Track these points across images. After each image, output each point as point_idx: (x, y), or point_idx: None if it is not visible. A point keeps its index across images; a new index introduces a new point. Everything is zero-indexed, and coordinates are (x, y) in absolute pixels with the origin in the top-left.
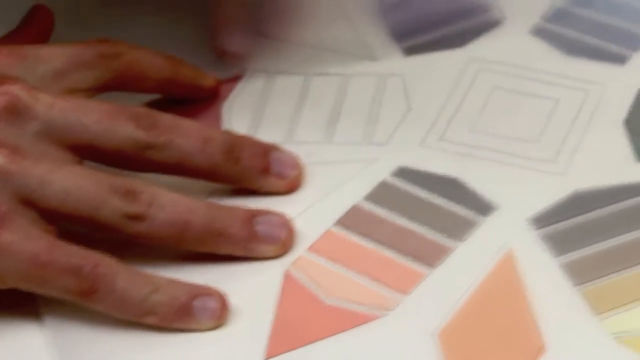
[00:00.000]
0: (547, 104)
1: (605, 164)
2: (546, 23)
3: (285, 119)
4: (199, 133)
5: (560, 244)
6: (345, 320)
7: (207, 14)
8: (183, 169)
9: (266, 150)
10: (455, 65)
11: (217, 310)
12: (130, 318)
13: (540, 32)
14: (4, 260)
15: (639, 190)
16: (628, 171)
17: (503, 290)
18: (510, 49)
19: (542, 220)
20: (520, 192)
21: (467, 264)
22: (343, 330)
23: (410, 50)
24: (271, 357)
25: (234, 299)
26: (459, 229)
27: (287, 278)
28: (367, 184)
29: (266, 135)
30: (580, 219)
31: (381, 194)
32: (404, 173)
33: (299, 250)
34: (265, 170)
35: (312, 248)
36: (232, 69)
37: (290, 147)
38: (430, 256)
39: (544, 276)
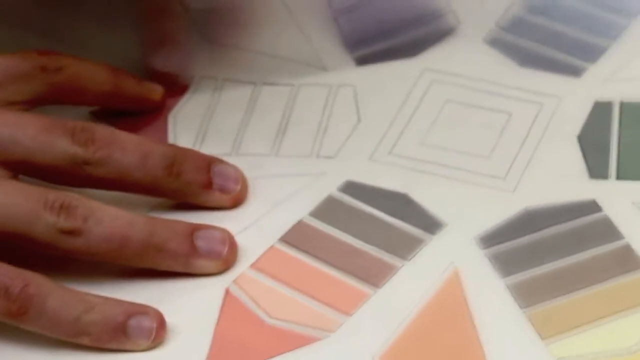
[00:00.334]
0: (499, 118)
1: (557, 180)
2: (501, 32)
3: (232, 130)
4: (138, 147)
5: (507, 264)
6: (285, 341)
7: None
8: (123, 184)
9: (208, 164)
10: (407, 76)
11: (153, 330)
12: (64, 338)
13: (495, 42)
14: None
15: (590, 208)
16: (580, 188)
17: (448, 312)
18: (464, 60)
19: (490, 239)
20: (469, 210)
21: (412, 284)
22: (283, 352)
23: (362, 60)
24: None
25: (173, 317)
26: (405, 247)
27: (228, 296)
28: (313, 199)
29: (212, 147)
30: (529, 238)
31: (327, 209)
32: (351, 188)
33: (241, 266)
34: (207, 185)
35: (255, 265)
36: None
37: (236, 160)
38: (375, 275)
39: (491, 298)
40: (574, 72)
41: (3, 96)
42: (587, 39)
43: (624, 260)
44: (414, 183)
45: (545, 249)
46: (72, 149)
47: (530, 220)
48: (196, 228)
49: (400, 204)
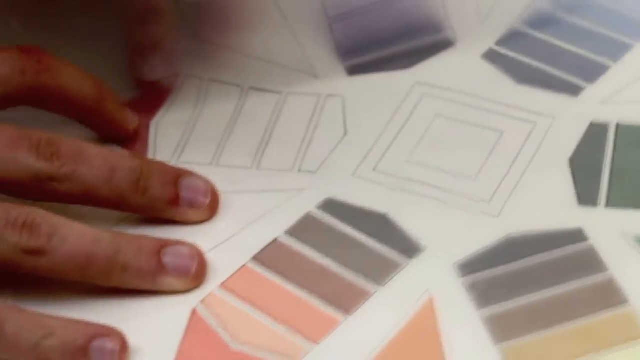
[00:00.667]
0: (490, 136)
1: (544, 206)
2: (500, 47)
3: (214, 139)
4: (104, 162)
5: (484, 294)
6: None
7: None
8: (89, 199)
9: (176, 178)
10: (398, 89)
11: (116, 353)
12: None
13: (492, 57)
14: None
15: (576, 237)
16: (567, 215)
17: (419, 344)
18: (458, 74)
19: (469, 266)
20: (450, 234)
21: (383, 312)
22: None
23: (354, 70)
24: None
25: (136, 338)
26: (380, 271)
27: (194, 316)
28: (290, 217)
29: (192, 156)
30: (509, 267)
31: (304, 228)
32: (331, 206)
33: (211, 285)
34: (175, 200)
35: (225, 285)
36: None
37: (215, 171)
38: (347, 301)
39: (464, 330)
40: (572, 91)
41: None
42: (588, 58)
43: (606, 295)
44: (395, 203)
45: (525, 280)
46: (36, 165)
47: (512, 248)
48: (164, 244)
49: (380, 225)
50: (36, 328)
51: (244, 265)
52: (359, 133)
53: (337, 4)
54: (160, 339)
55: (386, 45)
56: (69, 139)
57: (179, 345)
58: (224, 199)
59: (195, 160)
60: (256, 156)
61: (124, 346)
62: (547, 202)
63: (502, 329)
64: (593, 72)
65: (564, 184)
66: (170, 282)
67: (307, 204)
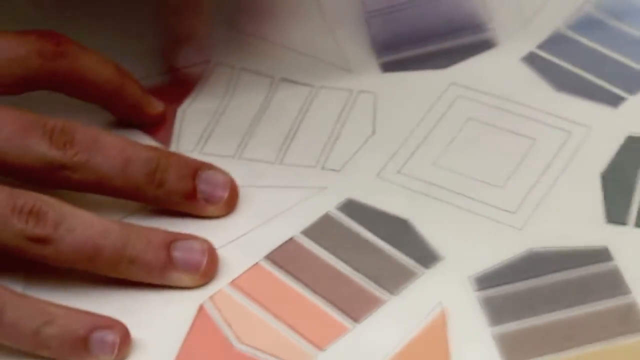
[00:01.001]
0: (522, 143)
1: (570, 221)
2: (541, 50)
3: (240, 130)
4: (120, 152)
5: (499, 311)
6: None
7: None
8: (102, 189)
9: (194, 171)
10: (433, 89)
11: (116, 345)
12: (24, 349)
13: (532, 60)
14: None
15: (600, 257)
16: (594, 233)
17: (427, 358)
18: (495, 77)
19: (486, 280)
20: (470, 245)
21: (393, 323)
22: None
23: (389, 66)
24: None
25: (140, 331)
26: (394, 279)
27: (201, 313)
28: (308, 216)
29: (215, 148)
30: (527, 283)
31: (321, 228)
32: (351, 207)
33: (220, 282)
34: (191, 195)
35: (235, 283)
36: (194, 62)
37: (238, 165)
38: (357, 308)
39: (474, 348)
40: (611, 101)
41: None
42: (632, 67)
43: (626, 320)
44: (417, 208)
45: (542, 298)
46: (49, 153)
47: (532, 264)
48: (175, 238)
49: (399, 231)
50: (37, 315)
51: (256, 264)
52: (387, 132)
53: None
54: (165, 333)
55: (423, 43)
56: (85, 127)
57: (183, 341)
58: (243, 194)
59: (218, 152)
60: (280, 151)
61: (125, 339)
62: (573, 218)
63: (514, 349)
64: (636, 82)
65: (593, 199)
66: (178, 277)
67: (327, 203)
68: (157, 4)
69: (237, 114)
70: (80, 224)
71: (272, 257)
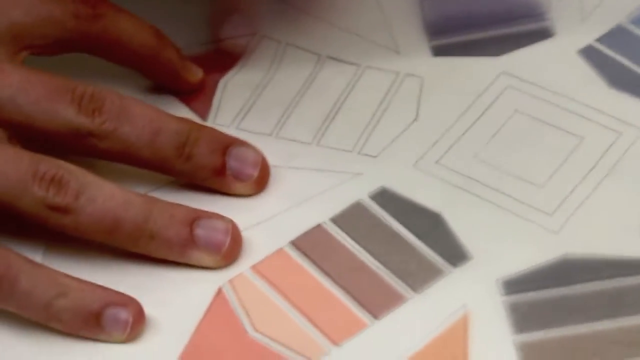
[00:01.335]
0: (569, 141)
1: (609, 228)
2: (600, 44)
3: (280, 107)
4: (149, 123)
5: (524, 318)
6: None
7: None
8: (129, 159)
9: (225, 146)
10: (482, 77)
11: (129, 324)
12: (36, 320)
13: (590, 54)
14: None
15: (637, 269)
16: (634, 242)
17: None
18: (549, 68)
19: (515, 284)
20: (502, 245)
21: (412, 323)
22: None
23: (440, 50)
24: None
25: (156, 310)
26: (420, 276)
27: (218, 296)
28: (339, 202)
29: (253, 124)
30: (558, 291)
31: (351, 217)
32: (384, 196)
33: (242, 265)
34: (220, 171)
35: (256, 267)
36: (241, 34)
37: (273, 144)
38: (378, 304)
39: (495, 356)
40: None
41: (24, 41)
42: None
43: None
44: (452, 202)
45: (572, 308)
46: (76, 119)
47: (565, 270)
48: (198, 216)
49: (431, 225)
50: (51, 286)
51: (280, 249)
52: (430, 120)
53: None
54: (180, 314)
55: (478, 28)
56: (115, 95)
57: (197, 324)
58: (275, 174)
59: (255, 128)
60: (319, 131)
61: (139, 318)
62: (614, 224)
63: None
64: None
65: (637, 206)
66: (199, 256)
67: (360, 190)
68: None
69: (279, 89)
70: (102, 195)
71: (297, 243)
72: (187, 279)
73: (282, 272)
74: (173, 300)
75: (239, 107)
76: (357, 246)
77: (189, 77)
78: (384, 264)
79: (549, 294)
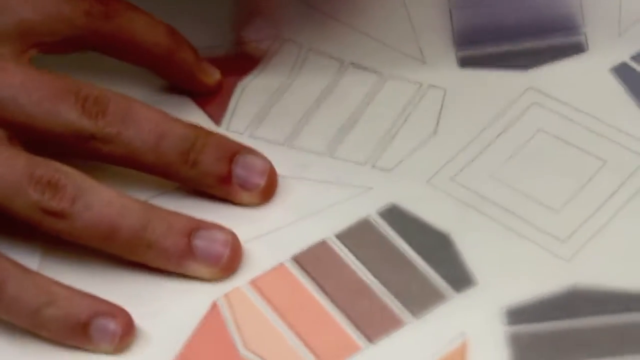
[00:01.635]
0: (590, 163)
1: (625, 259)
2: (635, 62)
3: (296, 114)
4: (154, 127)
5: (525, 351)
6: None
7: None
8: (132, 163)
9: (233, 154)
10: (508, 91)
11: (117, 335)
12: (23, 327)
13: (622, 72)
14: None
15: None
16: None
17: None
18: (578, 86)
19: (519, 314)
20: (509, 272)
21: (407, 350)
22: None
23: (467, 61)
24: None
25: (147, 321)
26: (421, 300)
27: (212, 310)
28: (346, 218)
29: (266, 132)
30: (564, 323)
31: (357, 234)
32: (393, 213)
33: (240, 279)
34: (226, 179)
35: (255, 282)
36: (264, 37)
37: (286, 153)
38: (374, 327)
39: None
40: None
41: (33, 39)
42: None
43: None
44: (462, 222)
45: (576, 342)
46: (78, 122)
47: (573, 301)
48: (198, 226)
49: (438, 246)
50: (39, 293)
51: (281, 263)
52: (449, 134)
53: None
54: (172, 327)
55: (507, 40)
56: (120, 97)
57: (188, 338)
58: (284, 185)
59: (269, 136)
60: (333, 142)
61: (128, 329)
62: (629, 256)
63: None
64: None
65: None
66: (196, 268)
67: (368, 206)
68: None
69: (297, 96)
70: (99, 201)
71: (298, 259)
72: (183, 290)
73: (280, 289)
74: (166, 311)
75: (254, 113)
76: (360, 265)
77: (205, 78)
78: (386, 285)
79: (553, 326)
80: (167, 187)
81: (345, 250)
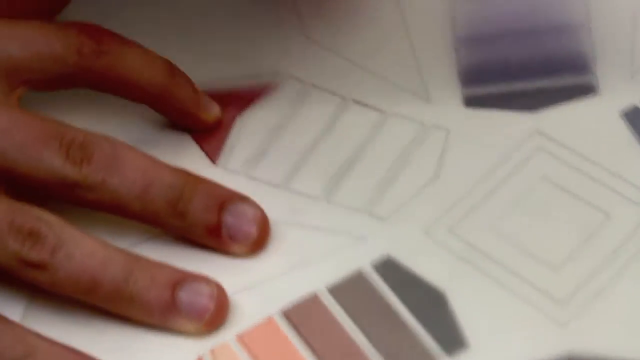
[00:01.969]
0: (593, 217)
1: (627, 326)
2: None
3: (293, 155)
4: (141, 175)
5: None
6: None
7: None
8: (118, 211)
9: (221, 203)
10: (514, 134)
11: None
12: None
13: (633, 116)
14: None
15: None
16: None
17: None
18: (585, 130)
19: None
20: (502, 335)
21: None
22: None
23: (472, 101)
24: None
25: None
26: None
27: None
28: (340, 270)
29: (263, 173)
30: None
31: (349, 288)
32: (387, 266)
33: (226, 334)
34: (215, 230)
35: (242, 337)
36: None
37: (281, 196)
38: None
39: None
40: None
41: (20, 77)
42: None
43: None
44: (458, 279)
45: None
46: (62, 169)
47: None
48: (182, 279)
49: (432, 304)
50: (17, 345)
51: (269, 317)
52: (449, 180)
53: (468, 25)
54: None
55: (515, 79)
56: (107, 143)
57: None
58: (277, 230)
59: (265, 177)
60: (330, 185)
61: None
62: (632, 322)
63: None
64: None
65: None
66: (181, 323)
67: (362, 257)
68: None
69: (297, 133)
70: (80, 252)
71: (288, 314)
72: (169, 344)
73: (268, 346)
74: None
75: (252, 152)
76: (350, 322)
77: (203, 115)
78: (375, 345)
79: None
80: (155, 231)
81: (337, 306)
